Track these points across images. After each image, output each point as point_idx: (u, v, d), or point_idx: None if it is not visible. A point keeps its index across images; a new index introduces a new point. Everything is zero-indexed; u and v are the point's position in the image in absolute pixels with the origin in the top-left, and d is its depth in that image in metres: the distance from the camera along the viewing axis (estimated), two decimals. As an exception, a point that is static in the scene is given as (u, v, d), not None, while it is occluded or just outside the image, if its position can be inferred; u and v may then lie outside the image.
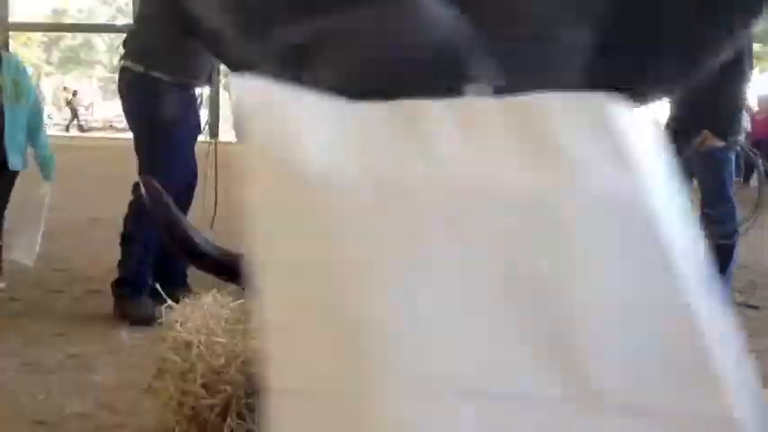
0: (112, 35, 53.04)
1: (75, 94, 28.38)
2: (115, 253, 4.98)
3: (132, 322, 3.68)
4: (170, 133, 3.83)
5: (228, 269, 1.81)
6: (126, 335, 3.07)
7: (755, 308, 4.38)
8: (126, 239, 3.99)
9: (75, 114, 27.12)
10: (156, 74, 3.81)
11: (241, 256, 1.86)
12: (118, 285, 3.94)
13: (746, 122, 11.55)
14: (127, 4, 41.74)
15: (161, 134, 3.82)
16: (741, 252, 6.14)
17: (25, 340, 3.44)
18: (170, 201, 1.80)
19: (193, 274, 3.83)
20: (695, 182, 4.20)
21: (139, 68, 3.83)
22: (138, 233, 3.89)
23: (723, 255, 4.19)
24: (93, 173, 10.92)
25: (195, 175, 4.11)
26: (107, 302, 4.15)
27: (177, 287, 3.97)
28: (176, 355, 1.78)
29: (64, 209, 7.15)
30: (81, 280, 4.65)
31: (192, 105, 4.10)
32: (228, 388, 1.69)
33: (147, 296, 3.77)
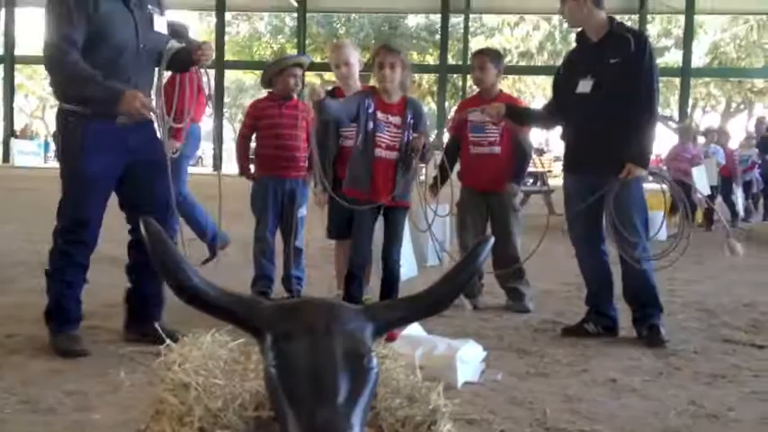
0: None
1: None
2: (114, 288, 4.98)
3: (60, 354, 3.77)
4: (78, 167, 3.80)
5: (227, 311, 1.80)
6: (124, 375, 3.03)
7: (761, 347, 4.36)
8: (49, 274, 3.99)
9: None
10: (67, 106, 3.81)
11: (240, 298, 1.86)
12: (45, 318, 4.00)
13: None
14: (131, 39, 42.03)
15: (69, 167, 3.85)
16: (744, 291, 6.15)
17: (22, 378, 3.41)
18: (168, 239, 1.80)
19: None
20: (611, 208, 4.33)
21: (60, 102, 3.87)
22: (58, 269, 3.95)
23: (636, 278, 4.41)
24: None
25: (163, 208, 3.97)
26: (105, 338, 4.14)
27: (148, 325, 3.99)
28: (174, 397, 1.76)
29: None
30: (80, 315, 4.62)
31: (116, 137, 3.82)
32: (226, 432, 1.66)
33: (76, 329, 3.93)
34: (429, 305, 1.85)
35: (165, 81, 4.12)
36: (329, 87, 5.41)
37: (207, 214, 6.40)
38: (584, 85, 4.39)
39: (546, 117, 4.87)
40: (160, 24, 3.99)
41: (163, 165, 3.92)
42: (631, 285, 4.45)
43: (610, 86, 4.32)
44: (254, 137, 5.48)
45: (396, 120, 4.54)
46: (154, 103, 3.93)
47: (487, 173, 5.21)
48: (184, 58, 4.06)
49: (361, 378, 1.62)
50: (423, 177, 5.18)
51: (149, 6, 3.91)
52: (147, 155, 3.92)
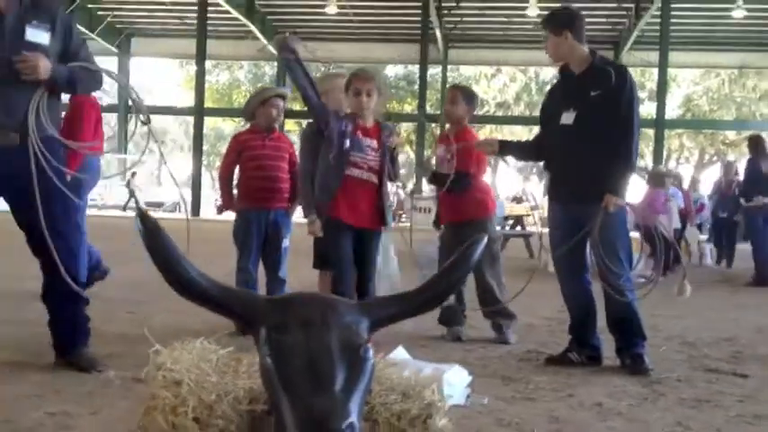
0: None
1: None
2: (92, 320, 4.92)
3: None
4: None
5: (223, 304, 1.80)
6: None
7: (744, 376, 4.38)
8: None
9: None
10: None
11: (236, 291, 1.85)
12: None
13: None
14: (112, 86, 42.17)
15: None
16: (725, 327, 6.20)
17: (4, 399, 3.35)
18: (165, 234, 1.80)
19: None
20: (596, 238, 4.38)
21: None
22: None
23: (619, 308, 4.43)
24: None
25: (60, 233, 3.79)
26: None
27: (73, 352, 3.97)
28: (166, 391, 1.74)
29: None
30: (59, 344, 4.56)
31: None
32: (220, 422, 1.65)
33: None
34: (423, 302, 1.86)
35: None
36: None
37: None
38: (567, 117, 4.47)
39: (536, 149, 4.92)
40: (36, 36, 3.68)
41: (51, 191, 3.68)
42: (615, 315, 4.47)
43: (591, 118, 4.39)
44: (236, 170, 5.50)
45: (373, 144, 4.58)
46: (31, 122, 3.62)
47: (456, 207, 5.25)
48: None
49: (357, 368, 1.62)
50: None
51: (34, 21, 3.67)
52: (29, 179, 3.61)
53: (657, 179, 11.35)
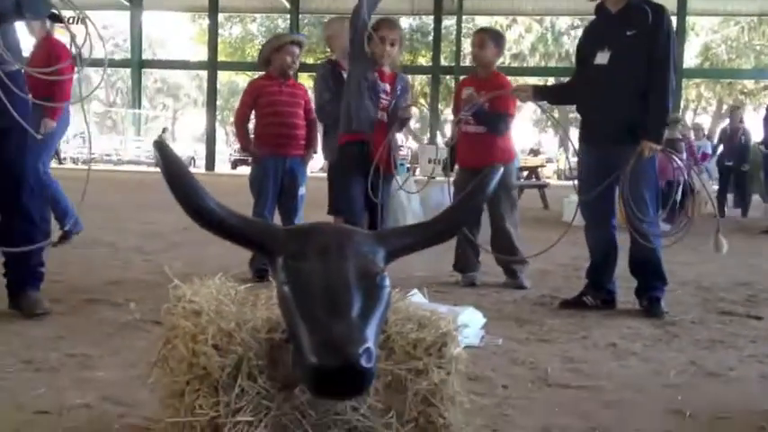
0: (110, 70, 53.41)
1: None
2: (111, 268, 4.97)
3: None
4: None
5: (241, 233, 1.82)
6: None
7: (759, 318, 4.39)
8: None
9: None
10: None
11: (253, 221, 1.87)
12: None
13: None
14: (125, 40, 42.07)
15: None
16: (739, 272, 6.19)
17: (25, 343, 3.41)
18: (184, 164, 1.82)
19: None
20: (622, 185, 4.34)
21: None
22: None
23: (643, 251, 4.42)
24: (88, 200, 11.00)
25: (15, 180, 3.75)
26: (105, 311, 4.13)
27: (22, 297, 3.91)
28: (186, 321, 1.77)
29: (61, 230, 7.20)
30: (78, 290, 4.63)
31: None
32: (239, 349, 1.67)
33: None
34: (439, 231, 1.87)
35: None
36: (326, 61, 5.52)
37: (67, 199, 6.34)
38: (602, 57, 4.40)
39: (571, 91, 4.85)
40: None
41: (13, 133, 3.64)
42: (638, 258, 4.46)
43: (626, 59, 4.32)
44: (251, 116, 5.50)
45: (387, 88, 4.73)
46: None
47: (479, 150, 5.22)
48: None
49: (373, 295, 1.64)
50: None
51: None
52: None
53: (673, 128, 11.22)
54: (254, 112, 5.43)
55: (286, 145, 5.28)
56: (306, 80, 35.98)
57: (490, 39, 5.32)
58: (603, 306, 4.55)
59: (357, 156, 4.63)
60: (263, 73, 5.60)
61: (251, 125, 5.62)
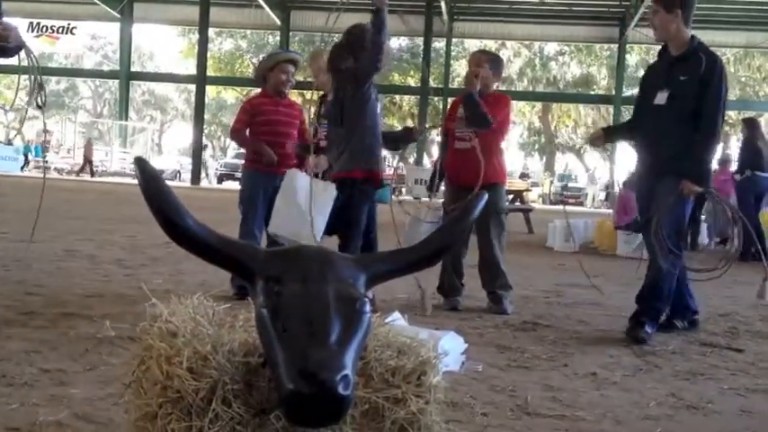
0: (98, 81, 53.26)
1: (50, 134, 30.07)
2: (90, 281, 4.90)
3: None
4: None
5: (220, 253, 1.79)
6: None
7: (740, 351, 4.39)
8: None
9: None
10: None
11: (233, 241, 1.84)
12: None
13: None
14: (114, 52, 42.01)
15: None
16: (720, 303, 6.20)
17: (-1, 356, 3.36)
18: (163, 181, 1.79)
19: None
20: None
21: None
22: None
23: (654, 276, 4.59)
24: (66, 211, 10.97)
25: None
26: (82, 326, 4.08)
27: None
28: (162, 343, 1.73)
29: (42, 241, 7.14)
30: (56, 304, 4.57)
31: None
32: (215, 372, 1.64)
33: None
34: (422, 258, 1.85)
35: None
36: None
37: None
38: (661, 97, 4.59)
39: (633, 130, 4.98)
40: None
41: None
42: (648, 282, 4.62)
43: (680, 102, 4.51)
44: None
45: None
46: None
47: (469, 168, 5.19)
48: None
49: (353, 321, 1.62)
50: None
51: None
52: None
53: (632, 183, 11.09)
54: (249, 129, 5.43)
55: (279, 163, 5.26)
56: (295, 97, 36.07)
57: (486, 61, 5.36)
58: (690, 327, 4.87)
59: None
60: (260, 90, 5.58)
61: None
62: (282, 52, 6.03)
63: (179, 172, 37.64)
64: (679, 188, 4.41)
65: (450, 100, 33.38)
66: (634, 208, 10.78)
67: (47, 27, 30.44)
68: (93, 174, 32.42)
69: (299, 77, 5.71)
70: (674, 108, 4.50)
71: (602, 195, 38.18)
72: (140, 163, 1.72)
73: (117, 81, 37.29)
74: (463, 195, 5.25)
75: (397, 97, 41.64)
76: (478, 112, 5.13)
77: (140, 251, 7.45)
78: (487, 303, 5.33)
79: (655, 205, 4.52)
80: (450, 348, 3.57)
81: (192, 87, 34.60)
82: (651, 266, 4.59)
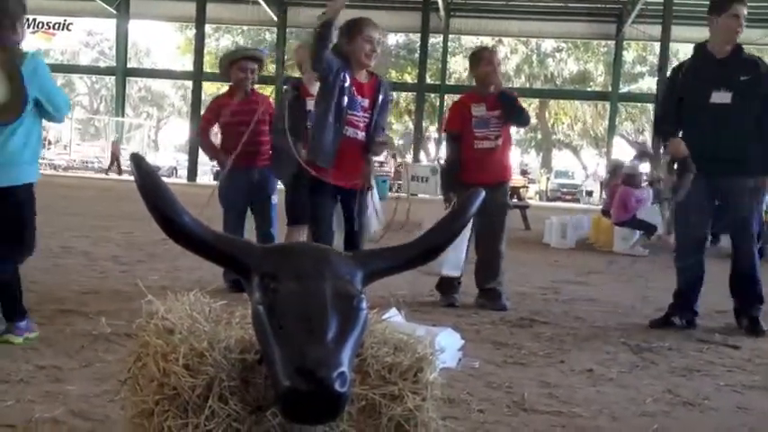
0: (94, 77, 53.17)
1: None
2: (86, 278, 4.89)
3: None
4: None
5: (216, 249, 1.78)
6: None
7: (736, 347, 4.40)
8: None
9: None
10: None
11: (229, 237, 1.84)
12: None
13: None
14: (110, 48, 41.97)
15: None
16: (717, 300, 6.21)
17: (-6, 353, 3.35)
18: (159, 178, 1.78)
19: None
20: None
21: None
22: None
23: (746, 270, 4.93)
24: (63, 207, 10.95)
25: None
26: (79, 322, 4.07)
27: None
28: (158, 339, 1.73)
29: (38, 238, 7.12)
30: (52, 300, 4.57)
31: None
32: (211, 369, 1.64)
33: None
34: (419, 254, 1.85)
35: None
36: (290, 83, 5.41)
37: None
38: (722, 97, 4.75)
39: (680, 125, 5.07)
40: None
41: None
42: (740, 277, 4.90)
43: (744, 100, 4.73)
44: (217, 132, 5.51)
45: (365, 103, 4.34)
46: None
47: (490, 167, 5.24)
48: None
49: (350, 318, 1.62)
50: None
51: None
52: None
53: (631, 179, 11.02)
54: (217, 128, 5.44)
55: (253, 158, 5.23)
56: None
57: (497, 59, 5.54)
58: (688, 326, 4.86)
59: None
60: (228, 88, 5.57)
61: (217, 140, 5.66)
62: (242, 49, 6.00)
63: (175, 168, 37.58)
64: (759, 183, 4.80)
65: (446, 97, 33.43)
66: (634, 205, 10.77)
67: (43, 23, 30.31)
68: (120, 171, 32.49)
69: (297, 74, 5.66)
70: (739, 107, 4.70)
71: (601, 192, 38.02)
72: (137, 160, 1.71)
73: (113, 77, 37.20)
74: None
75: (395, 94, 41.64)
76: (519, 108, 5.35)
77: (137, 248, 7.44)
78: (478, 300, 5.29)
79: (732, 200, 4.78)
80: (446, 345, 3.56)
81: (189, 84, 34.53)
82: (739, 258, 4.88)
